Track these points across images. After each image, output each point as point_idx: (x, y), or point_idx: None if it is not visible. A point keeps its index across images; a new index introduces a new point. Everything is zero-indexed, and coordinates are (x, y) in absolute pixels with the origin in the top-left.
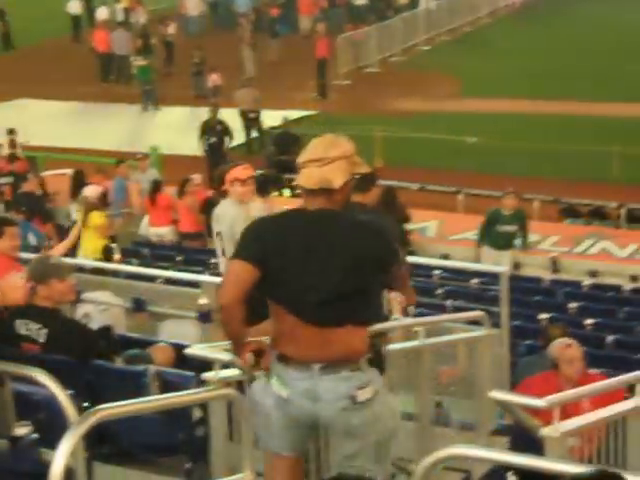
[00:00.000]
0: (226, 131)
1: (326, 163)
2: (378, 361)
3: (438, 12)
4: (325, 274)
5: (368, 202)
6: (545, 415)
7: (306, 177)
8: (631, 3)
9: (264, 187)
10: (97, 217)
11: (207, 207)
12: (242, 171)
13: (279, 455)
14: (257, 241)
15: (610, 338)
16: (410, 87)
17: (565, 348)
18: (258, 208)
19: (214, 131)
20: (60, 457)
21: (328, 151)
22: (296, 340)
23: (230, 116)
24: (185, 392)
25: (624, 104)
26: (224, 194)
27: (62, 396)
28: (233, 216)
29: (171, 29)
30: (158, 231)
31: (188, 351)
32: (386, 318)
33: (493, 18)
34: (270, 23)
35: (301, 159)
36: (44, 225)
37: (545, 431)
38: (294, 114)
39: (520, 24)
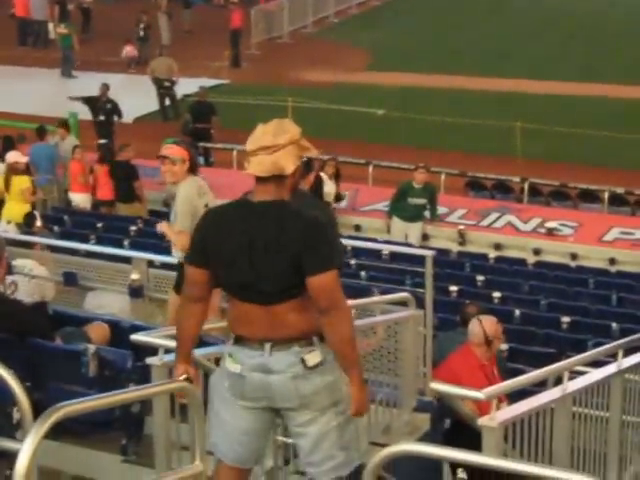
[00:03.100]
0: (115, 110)
1: (276, 150)
2: None
3: None
4: (266, 266)
5: (304, 187)
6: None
7: (257, 165)
8: None
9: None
10: (22, 181)
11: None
12: None
13: (224, 464)
14: (200, 242)
15: (518, 312)
16: (320, 59)
17: (497, 325)
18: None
19: (103, 109)
20: (25, 457)
21: (278, 137)
22: (249, 322)
23: (146, 83)
24: (144, 386)
25: (527, 81)
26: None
27: (11, 381)
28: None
29: None
30: (74, 197)
31: (134, 337)
32: None
33: None
34: None
35: (250, 147)
36: None
37: (483, 421)
38: (207, 83)
39: (427, 0)
